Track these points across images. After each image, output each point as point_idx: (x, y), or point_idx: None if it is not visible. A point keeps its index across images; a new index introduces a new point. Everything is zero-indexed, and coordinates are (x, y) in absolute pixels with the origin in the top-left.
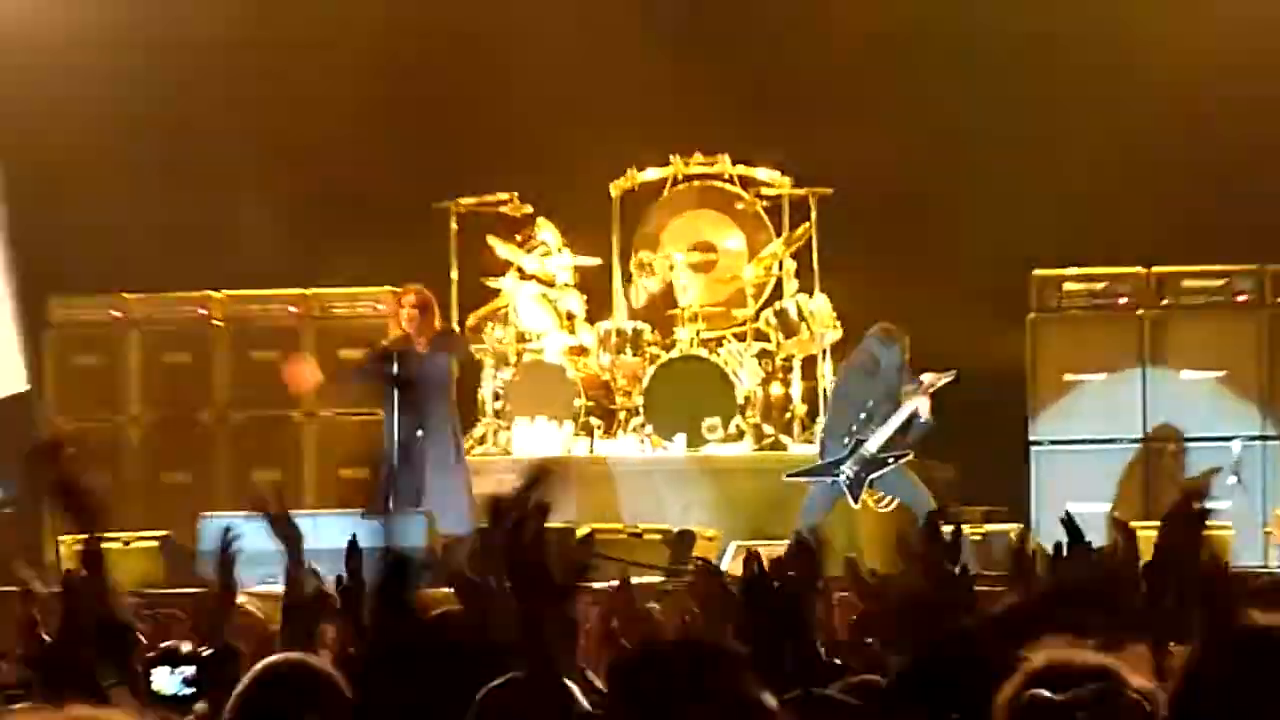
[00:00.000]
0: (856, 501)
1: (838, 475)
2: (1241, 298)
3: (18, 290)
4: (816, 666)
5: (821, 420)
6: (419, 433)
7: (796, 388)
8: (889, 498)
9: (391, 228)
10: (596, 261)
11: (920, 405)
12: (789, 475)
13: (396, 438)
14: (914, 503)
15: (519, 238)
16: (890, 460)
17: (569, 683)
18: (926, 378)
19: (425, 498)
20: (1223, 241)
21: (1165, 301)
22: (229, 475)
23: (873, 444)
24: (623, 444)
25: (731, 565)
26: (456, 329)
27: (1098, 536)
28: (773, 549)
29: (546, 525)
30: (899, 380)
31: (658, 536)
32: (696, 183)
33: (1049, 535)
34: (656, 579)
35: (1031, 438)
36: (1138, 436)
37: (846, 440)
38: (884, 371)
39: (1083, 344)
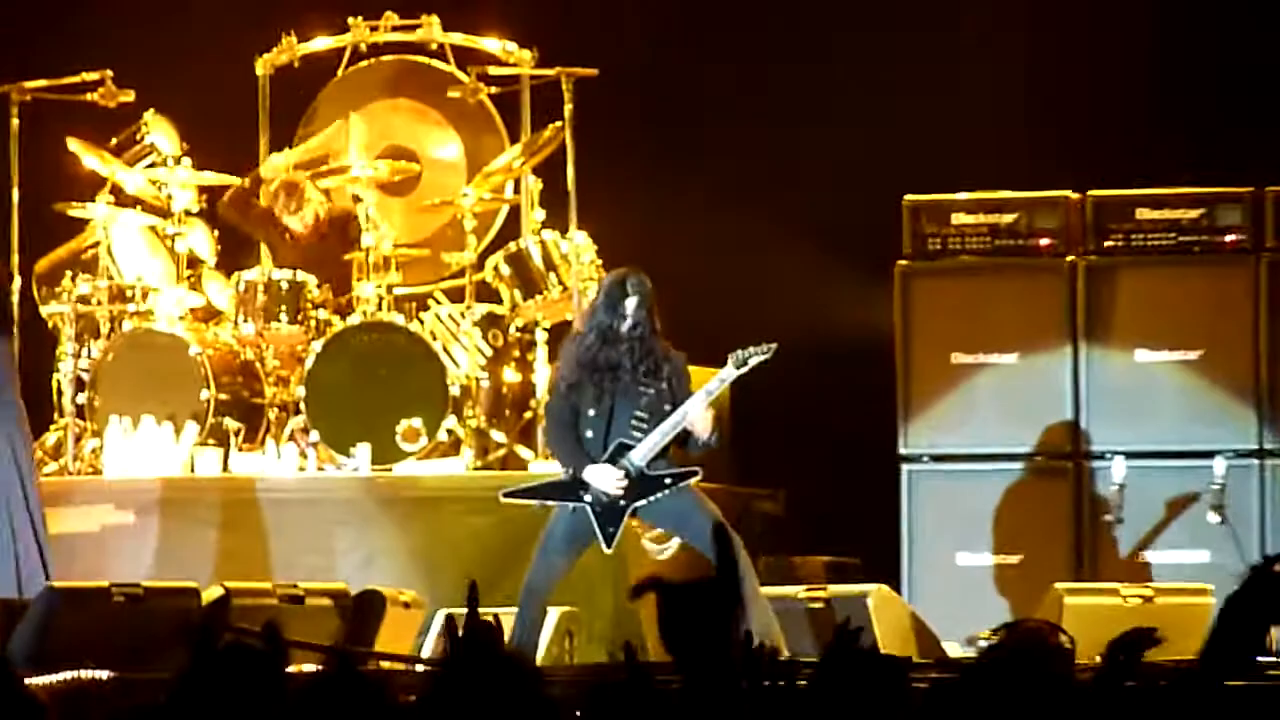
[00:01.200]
0: (610, 544)
1: (582, 500)
2: (1229, 238)
3: None
4: None
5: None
6: None
7: (542, 372)
8: (670, 536)
9: None
10: (235, 181)
11: (693, 407)
12: (505, 494)
13: None
14: (709, 546)
15: (115, 141)
16: (667, 481)
17: None
18: (731, 360)
19: None
20: (1192, 158)
21: (1110, 243)
22: None
23: (637, 454)
24: (275, 459)
25: (438, 643)
26: (16, 277)
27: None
28: (503, 618)
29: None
30: (656, 350)
31: (327, 601)
32: (389, 58)
33: (928, 599)
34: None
35: (902, 450)
36: (1064, 451)
37: (590, 446)
38: (622, 336)
39: (982, 308)
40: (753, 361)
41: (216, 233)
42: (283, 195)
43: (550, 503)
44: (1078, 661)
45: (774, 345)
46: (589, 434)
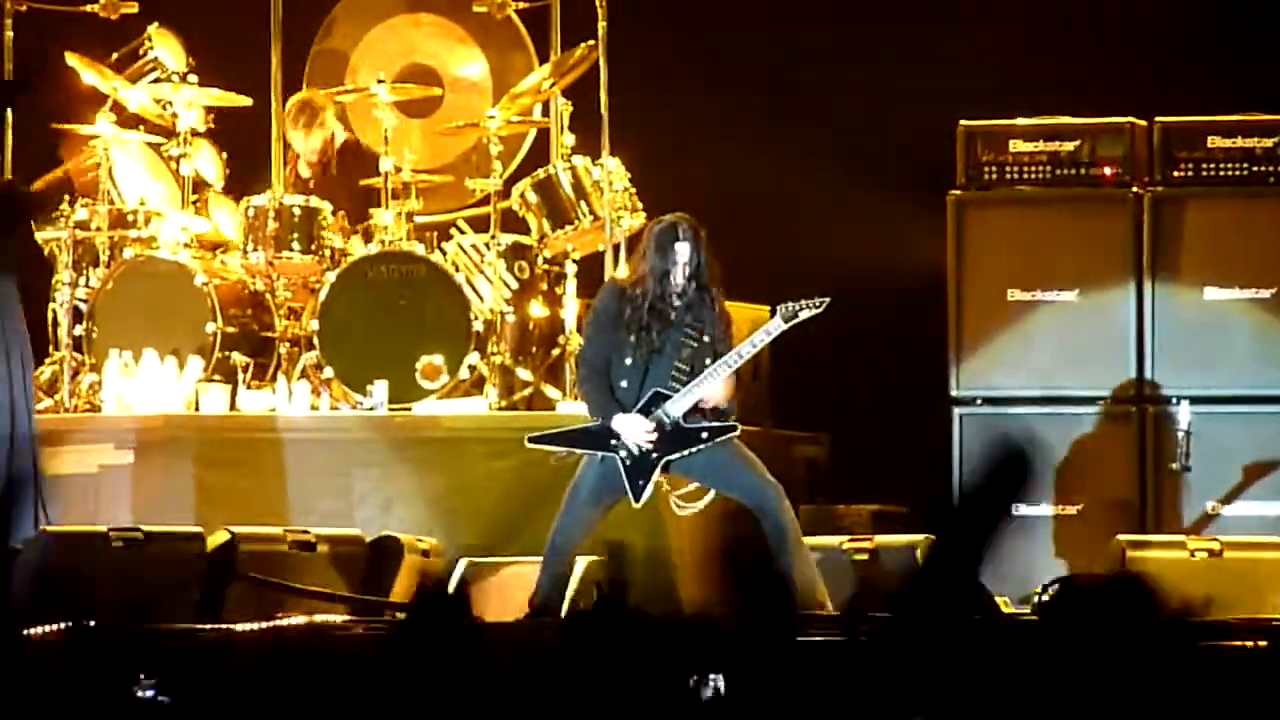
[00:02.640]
0: (639, 498)
1: (613, 451)
2: None
3: None
4: None
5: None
6: None
7: (571, 307)
8: (699, 494)
9: None
10: (244, 101)
11: (733, 361)
12: (531, 439)
13: None
14: (751, 498)
15: (117, 56)
16: (704, 435)
17: None
18: (779, 313)
19: None
20: (1266, 83)
21: (1178, 173)
22: None
23: (674, 406)
24: (286, 397)
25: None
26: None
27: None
28: (520, 569)
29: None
30: (703, 301)
31: (342, 548)
32: None
33: None
34: (339, 617)
35: (954, 392)
36: (1128, 394)
37: (624, 395)
38: (672, 286)
39: (1041, 242)
40: (803, 315)
41: (225, 155)
42: (295, 111)
43: (578, 450)
44: None
45: (826, 299)
46: (624, 383)
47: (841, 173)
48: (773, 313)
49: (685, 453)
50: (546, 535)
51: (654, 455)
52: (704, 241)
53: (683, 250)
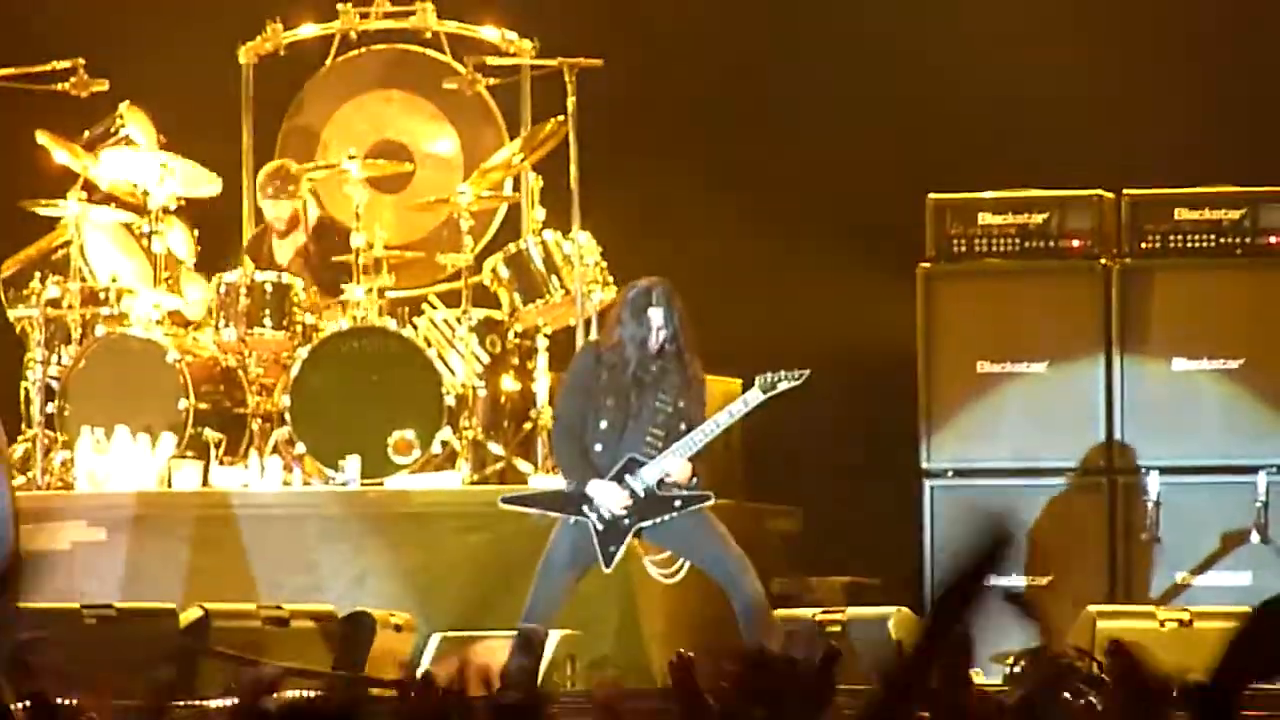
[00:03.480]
0: (610, 563)
1: (584, 515)
2: (1273, 239)
3: None
4: None
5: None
6: None
7: (543, 382)
8: (676, 560)
9: None
10: (213, 183)
11: (710, 430)
12: (505, 500)
13: None
14: (719, 571)
15: (89, 134)
16: (677, 503)
17: None
18: (758, 384)
19: None
20: (1232, 156)
21: (1146, 245)
22: None
23: (649, 472)
24: (258, 473)
25: (432, 669)
26: None
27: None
28: (493, 643)
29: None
30: (678, 368)
31: (313, 624)
32: (380, 46)
33: None
34: (313, 693)
35: (925, 464)
36: (1098, 464)
37: (598, 459)
38: (648, 351)
39: (1010, 313)
40: (781, 386)
41: (196, 232)
42: (267, 178)
43: (551, 513)
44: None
45: (805, 371)
46: (598, 447)
47: (811, 246)
48: (750, 384)
49: (658, 520)
50: (519, 609)
51: (626, 521)
52: (679, 307)
53: (656, 315)
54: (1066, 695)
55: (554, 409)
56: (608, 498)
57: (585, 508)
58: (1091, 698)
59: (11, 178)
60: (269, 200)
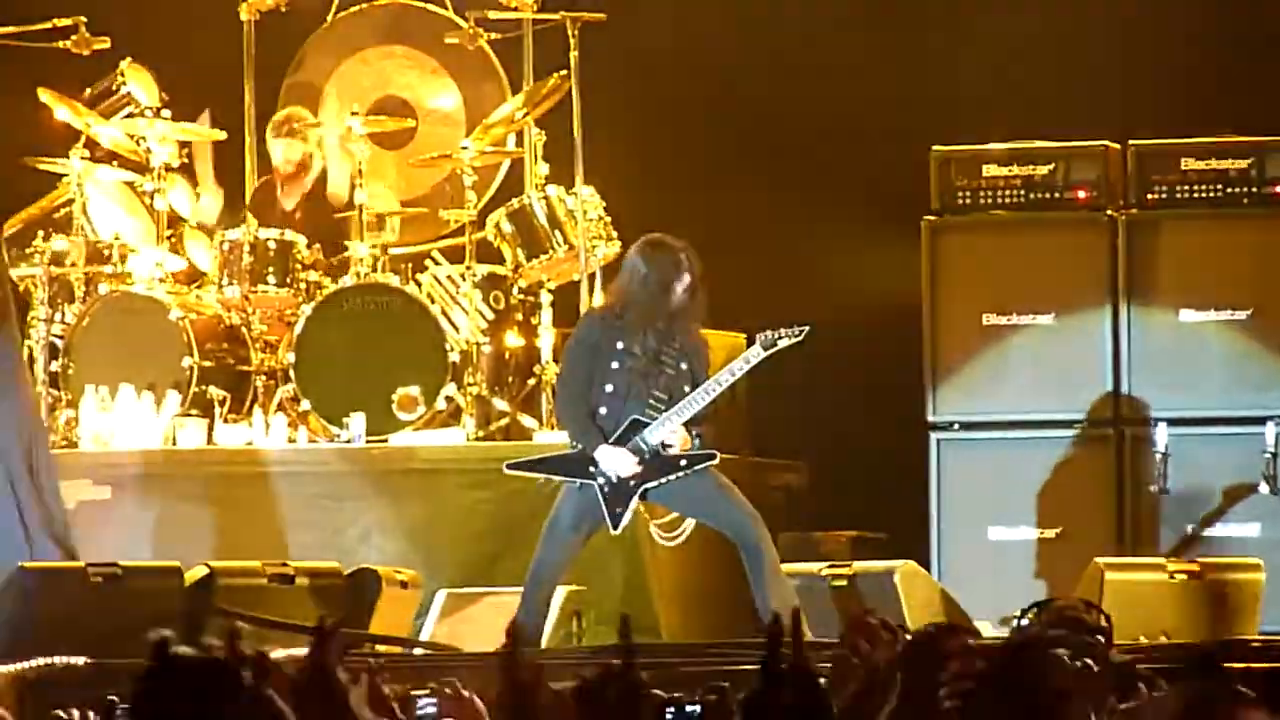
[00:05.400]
0: (617, 525)
1: (591, 479)
2: None
3: None
4: None
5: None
6: None
7: (547, 337)
8: (678, 522)
9: None
10: (218, 134)
11: (712, 389)
12: (509, 465)
13: None
14: (729, 526)
15: (90, 92)
16: (683, 463)
17: None
18: (759, 341)
19: None
20: (1239, 104)
21: (1152, 195)
22: None
23: (652, 434)
24: (263, 430)
25: (438, 626)
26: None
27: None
28: (499, 599)
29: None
30: (681, 329)
31: (320, 580)
32: (382, 1)
33: (959, 576)
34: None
35: (931, 417)
36: (1105, 416)
37: (603, 422)
38: (649, 308)
39: (1016, 265)
40: (782, 344)
41: (198, 189)
42: (279, 123)
43: (556, 478)
44: (1118, 641)
45: (805, 328)
46: (603, 410)
47: (815, 199)
48: (751, 341)
49: (663, 480)
50: (525, 565)
51: (632, 483)
52: (698, 269)
53: (683, 280)
54: (1061, 652)
55: (558, 373)
56: (614, 461)
57: (591, 470)
58: (1089, 660)
59: (13, 136)
60: (281, 141)
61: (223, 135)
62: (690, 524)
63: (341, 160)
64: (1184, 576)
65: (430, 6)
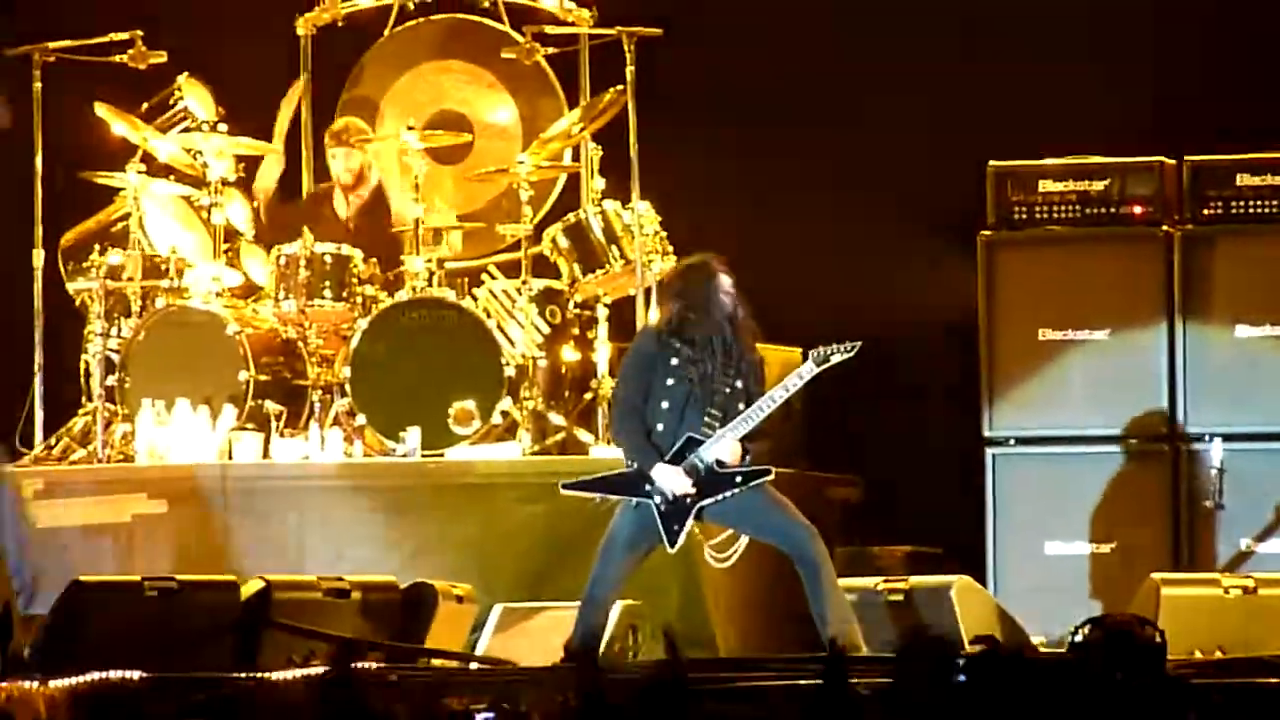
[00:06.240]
0: (674, 543)
1: (648, 497)
2: None
3: None
4: None
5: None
6: None
7: (603, 352)
8: (731, 542)
9: None
10: (274, 149)
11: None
12: (565, 486)
13: None
14: (786, 541)
15: (146, 106)
16: (738, 480)
17: None
18: (811, 357)
19: None
20: None
21: (1208, 211)
22: None
23: (708, 451)
24: (319, 445)
25: (494, 641)
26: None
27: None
28: (554, 614)
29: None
30: (736, 346)
31: (375, 595)
32: (439, 16)
33: (1014, 591)
34: (374, 665)
35: (987, 432)
36: (1160, 432)
37: (660, 440)
38: (707, 327)
39: (1072, 281)
40: (834, 359)
41: (255, 203)
42: (337, 132)
43: (613, 497)
44: (1173, 656)
45: (857, 344)
46: (659, 427)
47: (872, 215)
48: (804, 356)
49: (719, 497)
50: (580, 580)
51: (688, 500)
52: (733, 286)
53: (723, 298)
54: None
55: (614, 390)
56: (670, 480)
57: (647, 488)
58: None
59: (70, 150)
60: (340, 150)
61: (279, 149)
62: (742, 545)
63: (398, 175)
64: (1239, 592)
65: (487, 21)
